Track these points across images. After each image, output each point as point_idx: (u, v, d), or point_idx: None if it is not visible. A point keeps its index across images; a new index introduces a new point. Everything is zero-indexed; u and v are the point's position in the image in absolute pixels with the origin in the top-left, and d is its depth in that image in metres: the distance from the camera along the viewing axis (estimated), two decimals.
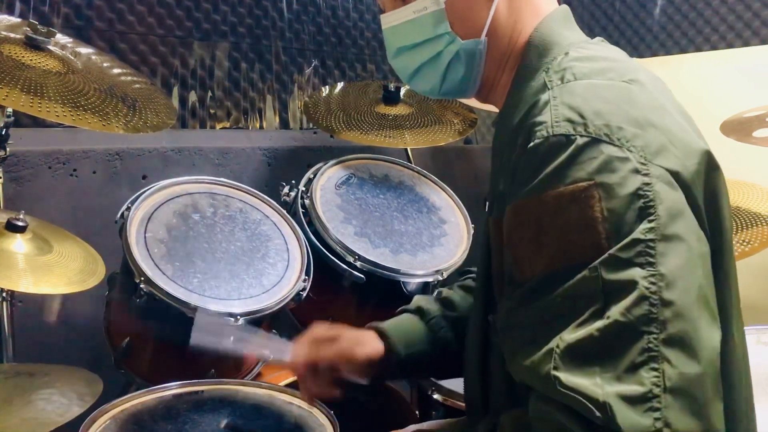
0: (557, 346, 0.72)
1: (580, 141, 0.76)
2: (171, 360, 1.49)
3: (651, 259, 0.71)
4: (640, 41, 3.01)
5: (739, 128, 1.83)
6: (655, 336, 0.70)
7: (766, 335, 1.54)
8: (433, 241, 1.77)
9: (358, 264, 1.62)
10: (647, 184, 0.74)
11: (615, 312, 0.71)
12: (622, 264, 0.72)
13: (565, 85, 0.82)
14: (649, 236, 0.72)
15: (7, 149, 1.56)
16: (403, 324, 1.19)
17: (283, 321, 1.67)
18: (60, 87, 1.43)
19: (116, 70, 1.70)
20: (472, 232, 1.83)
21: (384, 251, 1.68)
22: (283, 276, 1.54)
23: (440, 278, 1.68)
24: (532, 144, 0.78)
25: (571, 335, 0.72)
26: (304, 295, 1.54)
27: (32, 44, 1.51)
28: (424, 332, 1.18)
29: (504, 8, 0.94)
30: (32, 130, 1.93)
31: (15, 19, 1.67)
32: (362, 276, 1.61)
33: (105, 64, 1.69)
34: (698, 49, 2.82)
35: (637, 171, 0.74)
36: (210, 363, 1.48)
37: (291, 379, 1.52)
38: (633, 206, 0.73)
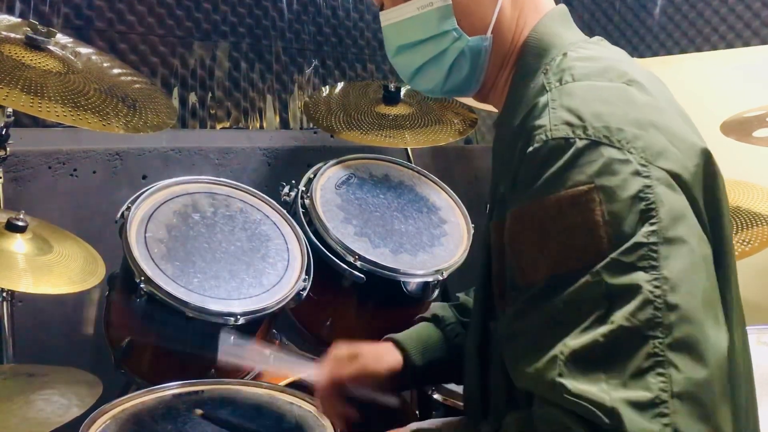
0: (561, 353, 0.72)
1: (579, 144, 0.75)
2: (171, 360, 1.49)
3: (654, 263, 0.71)
4: (640, 41, 3.01)
5: (739, 128, 1.83)
6: (660, 340, 0.69)
7: (766, 335, 1.54)
8: (433, 241, 1.77)
9: (358, 264, 1.62)
10: (648, 186, 0.73)
11: (619, 317, 0.70)
12: (624, 268, 0.71)
13: (564, 86, 0.82)
14: (652, 239, 0.71)
15: (7, 149, 1.56)
16: (419, 333, 1.20)
17: (283, 321, 1.67)
18: (60, 87, 1.43)
19: (116, 70, 1.70)
20: (472, 232, 1.83)
21: (384, 251, 1.68)
22: (283, 276, 1.54)
23: (440, 278, 1.68)
24: (531, 148, 0.78)
25: (575, 341, 0.71)
26: (304, 295, 1.54)
27: (32, 44, 1.51)
28: (440, 339, 1.19)
29: (508, 5, 0.93)
30: (32, 130, 1.92)
31: (15, 19, 1.67)
32: (362, 276, 1.61)
33: (105, 64, 1.69)
34: (698, 49, 2.81)
35: (637, 173, 0.73)
36: (210, 363, 1.48)
37: (291, 379, 1.52)
38: (634, 209, 0.72)
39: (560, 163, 0.75)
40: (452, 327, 1.19)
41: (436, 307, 1.24)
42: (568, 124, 0.77)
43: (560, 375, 0.71)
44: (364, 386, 1.14)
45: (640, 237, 0.71)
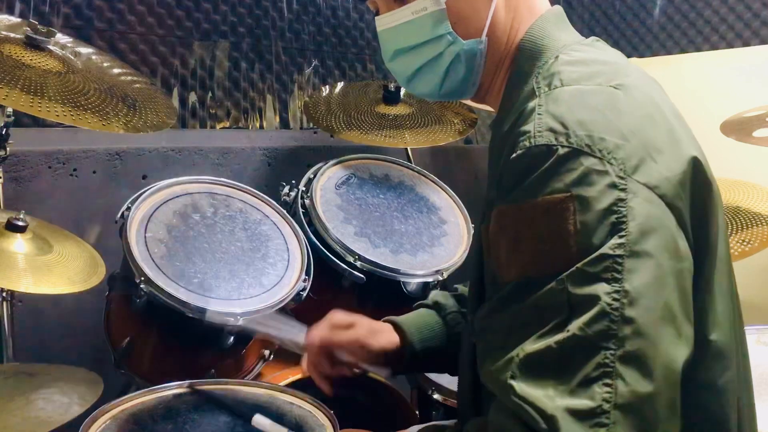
0: (517, 355, 0.73)
1: (561, 151, 0.76)
2: (171, 360, 1.49)
3: (617, 275, 0.72)
4: (640, 41, 3.01)
5: (739, 128, 1.83)
6: (612, 352, 0.70)
7: (766, 335, 1.54)
8: (433, 241, 1.77)
9: (358, 264, 1.62)
10: (622, 199, 0.74)
11: (575, 326, 0.71)
12: (588, 278, 0.72)
13: (552, 91, 0.82)
14: (618, 252, 0.72)
15: (7, 149, 1.56)
16: (419, 318, 1.20)
17: None
18: (60, 87, 1.43)
19: (116, 70, 1.70)
20: (472, 232, 1.83)
21: (384, 251, 1.68)
22: (283, 276, 1.54)
23: (440, 278, 1.68)
24: (515, 154, 0.79)
25: (531, 345, 0.73)
26: (304, 295, 1.54)
27: (32, 44, 1.51)
28: (440, 327, 1.19)
29: (502, 7, 0.93)
30: (32, 130, 1.93)
31: (15, 19, 1.67)
32: (362, 276, 1.61)
33: (105, 64, 1.69)
34: (698, 49, 2.82)
35: (614, 185, 0.74)
36: (210, 363, 1.48)
37: (291, 379, 1.52)
38: (605, 221, 0.73)
39: (541, 169, 0.76)
40: (453, 316, 1.19)
41: (437, 295, 1.24)
42: (552, 131, 0.77)
43: (512, 377, 0.73)
44: (353, 356, 1.15)
45: (606, 249, 0.72)
